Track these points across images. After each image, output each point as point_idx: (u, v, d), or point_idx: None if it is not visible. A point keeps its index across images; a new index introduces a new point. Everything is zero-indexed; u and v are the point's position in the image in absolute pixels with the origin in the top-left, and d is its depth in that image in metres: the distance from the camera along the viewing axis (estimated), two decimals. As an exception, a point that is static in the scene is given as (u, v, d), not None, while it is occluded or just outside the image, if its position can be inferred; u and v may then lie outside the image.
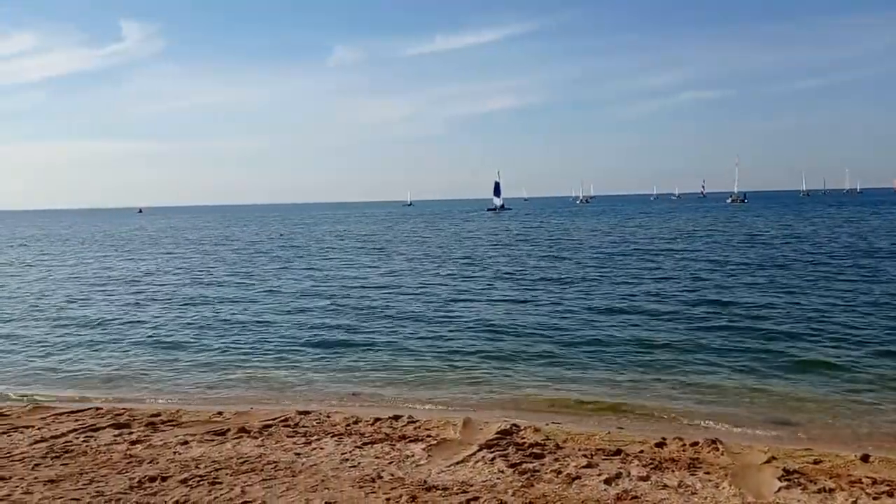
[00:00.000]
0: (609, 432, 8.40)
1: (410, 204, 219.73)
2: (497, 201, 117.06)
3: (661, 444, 7.72)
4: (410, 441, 7.83)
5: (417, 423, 8.66)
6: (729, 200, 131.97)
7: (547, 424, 8.82)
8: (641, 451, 7.47)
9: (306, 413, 9.27)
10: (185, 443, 7.95)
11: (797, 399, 9.94)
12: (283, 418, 9.01)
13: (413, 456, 7.29)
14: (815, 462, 7.09)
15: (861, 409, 9.42)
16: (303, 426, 8.66)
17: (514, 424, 8.51)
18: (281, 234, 61.85)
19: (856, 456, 7.21)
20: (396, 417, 8.92)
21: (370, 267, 29.49)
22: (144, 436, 8.27)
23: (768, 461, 7.11)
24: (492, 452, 7.34)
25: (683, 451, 7.53)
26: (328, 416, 9.11)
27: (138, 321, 17.61)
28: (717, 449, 7.51)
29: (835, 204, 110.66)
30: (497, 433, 8.11)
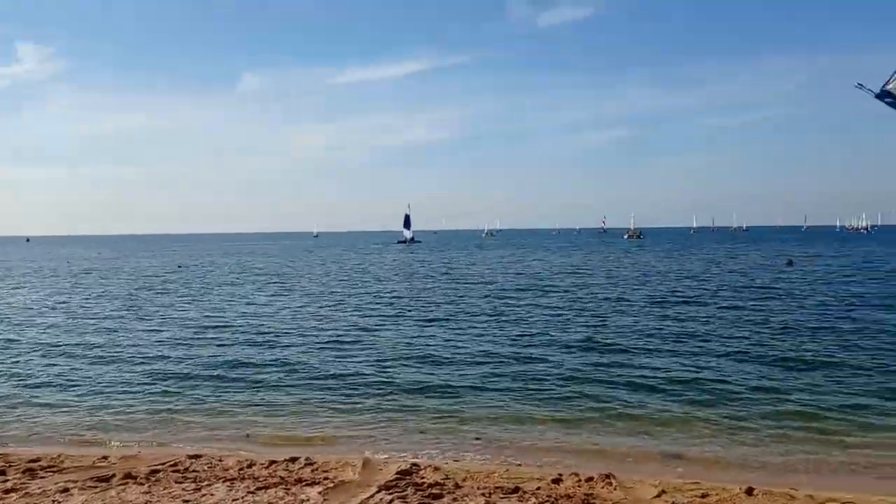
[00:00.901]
0: (507, 469, 8.45)
1: (317, 235, 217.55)
2: (407, 234, 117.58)
3: (557, 480, 7.83)
4: (307, 485, 7.64)
5: (315, 465, 8.45)
6: (626, 236, 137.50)
7: (447, 463, 8.81)
8: (538, 488, 7.56)
9: (197, 457, 8.88)
10: (66, 490, 7.50)
11: (686, 433, 10.29)
12: (171, 463, 8.61)
13: (308, 501, 7.11)
14: (703, 496, 7.35)
15: (745, 442, 9.83)
16: (193, 471, 8.30)
17: (415, 464, 8.44)
18: (179, 266, 59.80)
19: (741, 489, 7.49)
20: (293, 459, 8.67)
21: (266, 303, 28.71)
22: (21, 483, 7.75)
23: (659, 495, 7.33)
24: (390, 494, 7.26)
25: (579, 486, 7.66)
26: (220, 460, 8.76)
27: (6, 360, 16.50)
28: (611, 484, 7.68)
29: (723, 240, 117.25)
30: (397, 473, 8.02)
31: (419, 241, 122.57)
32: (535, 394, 12.63)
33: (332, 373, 14.63)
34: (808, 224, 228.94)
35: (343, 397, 12.65)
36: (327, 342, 18.51)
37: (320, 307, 26.97)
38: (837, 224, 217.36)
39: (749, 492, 7.44)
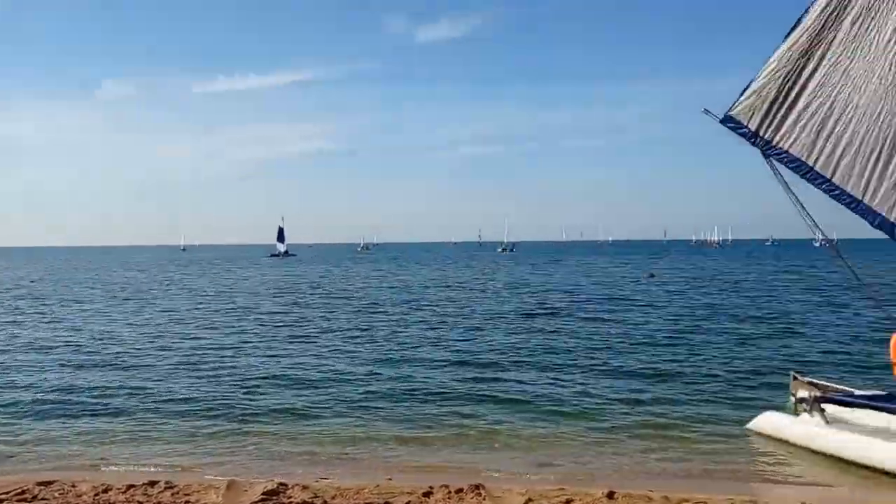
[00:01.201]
0: (378, 484, 8.37)
1: (184, 249, 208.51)
2: (281, 247, 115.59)
3: (427, 493, 7.86)
4: (167, 510, 7.27)
5: (175, 489, 8.05)
6: (499, 250, 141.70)
7: (316, 481, 8.63)
8: (409, 502, 7.56)
9: (47, 484, 8.25)
10: None
11: (552, 445, 10.56)
12: (18, 491, 7.95)
13: (168, 527, 6.76)
14: (567, 501, 7.60)
15: (607, 452, 10.21)
16: (43, 499, 7.74)
17: (282, 483, 8.21)
18: (32, 282, 55.70)
19: (602, 493, 7.80)
20: (152, 483, 8.22)
21: (122, 322, 27.03)
22: None
23: (526, 503, 7.51)
24: (256, 516, 7.03)
25: (449, 498, 7.73)
26: (73, 486, 8.19)
27: None
28: (480, 494, 7.80)
29: (590, 253, 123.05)
30: (263, 494, 7.78)
31: (293, 255, 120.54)
32: (404, 411, 12.57)
33: (191, 396, 13.84)
34: (667, 237, 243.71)
35: (203, 421, 11.98)
36: (187, 363, 17.50)
37: (182, 325, 25.68)
38: (693, 238, 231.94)
39: (610, 495, 7.76)
